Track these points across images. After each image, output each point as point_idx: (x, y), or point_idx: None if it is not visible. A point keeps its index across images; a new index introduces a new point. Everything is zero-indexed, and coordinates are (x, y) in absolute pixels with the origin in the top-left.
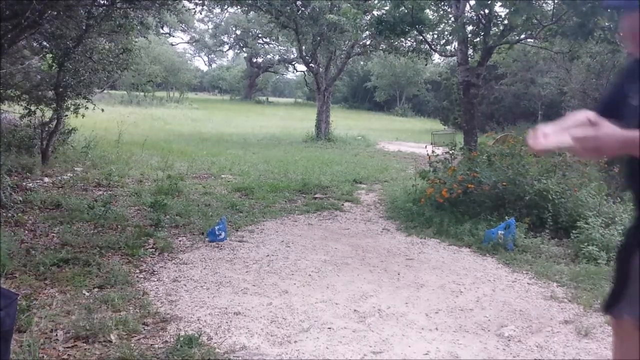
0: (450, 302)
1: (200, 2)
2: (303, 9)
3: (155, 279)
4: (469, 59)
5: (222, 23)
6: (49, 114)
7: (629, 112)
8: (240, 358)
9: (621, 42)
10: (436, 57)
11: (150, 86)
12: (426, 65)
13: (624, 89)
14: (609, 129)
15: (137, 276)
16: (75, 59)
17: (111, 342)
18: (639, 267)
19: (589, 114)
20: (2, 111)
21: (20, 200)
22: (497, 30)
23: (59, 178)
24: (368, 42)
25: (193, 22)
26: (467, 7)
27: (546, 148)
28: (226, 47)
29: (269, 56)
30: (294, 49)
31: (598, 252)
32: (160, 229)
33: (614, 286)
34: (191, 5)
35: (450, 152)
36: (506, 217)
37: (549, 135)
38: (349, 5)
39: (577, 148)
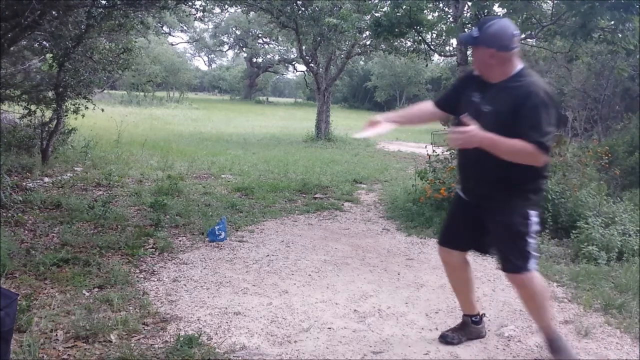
0: (450, 302)
1: (200, 8)
2: (303, 9)
3: (155, 279)
4: (469, 58)
5: (222, 23)
6: (49, 114)
7: (470, 105)
8: (240, 358)
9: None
10: (436, 57)
11: (150, 86)
12: (426, 65)
13: (467, 90)
14: (477, 130)
15: (137, 276)
16: (75, 59)
17: (111, 342)
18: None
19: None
20: (2, 111)
21: (20, 200)
22: None
23: (59, 178)
24: (368, 42)
25: (193, 22)
26: (466, 7)
27: (365, 136)
28: (226, 47)
29: (269, 56)
30: (294, 49)
31: (598, 252)
32: (160, 229)
33: None
34: (193, 11)
35: (450, 151)
36: None
37: (375, 125)
38: (348, 6)
39: (451, 138)
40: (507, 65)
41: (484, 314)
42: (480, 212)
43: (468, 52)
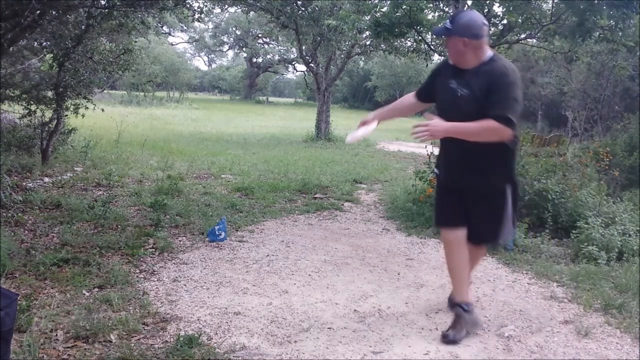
0: None
1: (198, 10)
2: (303, 9)
3: (155, 279)
4: None
5: (222, 23)
6: (49, 114)
7: (448, 92)
8: (240, 358)
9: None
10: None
11: (150, 86)
12: (427, 65)
13: (443, 78)
14: (439, 121)
15: (137, 276)
16: (75, 59)
17: (111, 342)
18: None
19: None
20: (2, 111)
21: (20, 200)
22: (496, 30)
23: (59, 178)
24: (368, 43)
25: (191, 22)
26: (466, 8)
27: (356, 140)
28: (226, 47)
29: (269, 56)
30: (294, 49)
31: (598, 252)
32: (160, 229)
33: None
34: (190, 12)
35: None
36: None
37: (366, 124)
38: (348, 6)
39: (416, 133)
40: (479, 52)
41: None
42: (462, 194)
43: None
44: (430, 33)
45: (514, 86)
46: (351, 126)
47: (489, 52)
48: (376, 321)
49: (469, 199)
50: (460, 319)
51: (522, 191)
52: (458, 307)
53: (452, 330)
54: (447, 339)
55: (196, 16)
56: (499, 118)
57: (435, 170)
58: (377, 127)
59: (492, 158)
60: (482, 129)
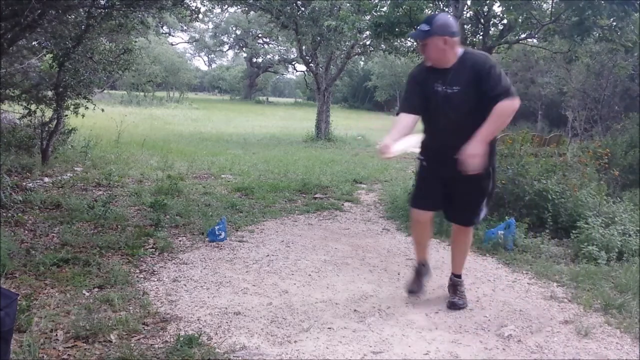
0: None
1: (196, 10)
2: (303, 9)
3: (155, 279)
4: None
5: (222, 23)
6: (49, 114)
7: (436, 95)
8: (240, 358)
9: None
10: None
11: (150, 86)
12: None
13: (426, 84)
14: (474, 147)
15: (137, 276)
16: (75, 59)
17: (111, 342)
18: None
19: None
20: (2, 111)
21: (20, 200)
22: (496, 30)
23: (59, 178)
24: (368, 42)
25: (188, 21)
26: (466, 7)
27: (394, 155)
28: (226, 47)
29: (269, 56)
30: (294, 49)
31: (598, 252)
32: (160, 229)
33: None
34: (188, 12)
35: None
36: (506, 217)
37: (390, 146)
38: (349, 5)
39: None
40: (456, 48)
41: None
42: (448, 180)
43: None
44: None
45: (496, 66)
46: (351, 126)
47: (461, 49)
48: (376, 321)
49: (458, 184)
50: (417, 273)
51: (522, 191)
52: (419, 264)
53: (412, 283)
54: (410, 290)
55: (194, 16)
56: (504, 96)
57: (420, 157)
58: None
59: (490, 146)
60: (500, 118)
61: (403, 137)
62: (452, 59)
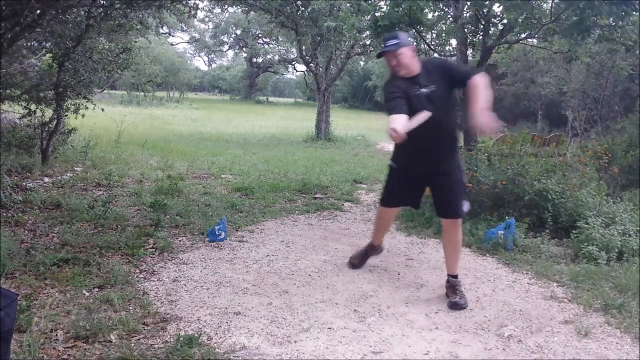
0: None
1: (194, 6)
2: (303, 9)
3: (155, 279)
4: (470, 58)
5: (222, 23)
6: (49, 114)
7: (420, 98)
8: (240, 358)
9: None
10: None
11: (150, 86)
12: None
13: (407, 91)
14: (487, 115)
15: (137, 276)
16: (75, 59)
17: (111, 342)
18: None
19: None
20: (2, 111)
21: (20, 200)
22: (496, 30)
23: (59, 178)
24: (368, 42)
25: (193, 22)
26: (466, 7)
27: (405, 135)
28: (226, 47)
29: (269, 56)
30: (294, 49)
31: (598, 252)
32: (160, 229)
33: None
34: (187, 9)
35: None
36: (506, 217)
37: (400, 129)
38: (348, 5)
39: (490, 128)
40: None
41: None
42: (424, 179)
43: (468, 52)
44: (430, 33)
45: (451, 61)
46: (351, 126)
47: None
48: (376, 321)
49: (438, 180)
50: (366, 252)
51: (522, 191)
52: (373, 246)
53: (355, 257)
54: (351, 263)
55: (192, 12)
56: (474, 73)
57: (392, 163)
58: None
59: (453, 143)
60: (485, 87)
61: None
62: (417, 64)
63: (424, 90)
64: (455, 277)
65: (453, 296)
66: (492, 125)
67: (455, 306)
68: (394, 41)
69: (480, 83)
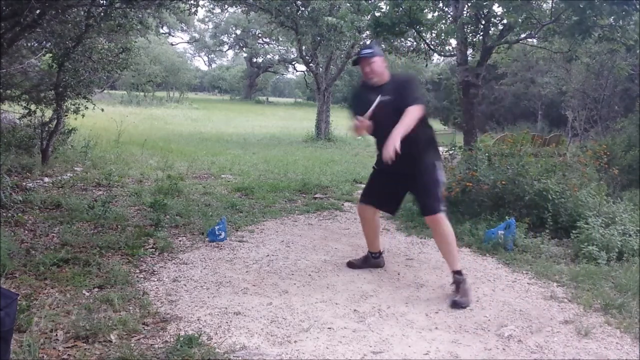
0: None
1: (195, 2)
2: (303, 9)
3: (155, 279)
4: (469, 58)
5: (222, 23)
6: (49, 114)
7: (377, 104)
8: (240, 358)
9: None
10: (436, 57)
11: (150, 86)
12: (426, 66)
13: (366, 95)
14: (391, 142)
15: (137, 276)
16: (75, 59)
17: (111, 342)
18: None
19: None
20: (2, 111)
21: (20, 200)
22: (496, 30)
23: (59, 178)
24: (368, 42)
25: (193, 22)
26: (466, 8)
27: (367, 123)
28: (226, 47)
29: (269, 56)
30: (294, 49)
31: (598, 252)
32: (160, 229)
33: None
34: (187, 6)
35: (450, 151)
36: (506, 217)
37: (361, 119)
38: (348, 5)
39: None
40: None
41: (383, 251)
42: (399, 178)
43: (468, 52)
44: (430, 33)
45: (415, 81)
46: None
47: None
48: (376, 321)
49: (411, 180)
50: (367, 259)
51: (522, 191)
52: (369, 252)
53: (356, 261)
54: (350, 264)
55: (193, 10)
56: (413, 104)
57: (375, 166)
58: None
59: (416, 148)
60: (412, 116)
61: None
62: (387, 76)
63: (383, 98)
64: (459, 273)
65: (455, 294)
66: (389, 153)
67: (455, 305)
68: (369, 50)
69: (410, 113)
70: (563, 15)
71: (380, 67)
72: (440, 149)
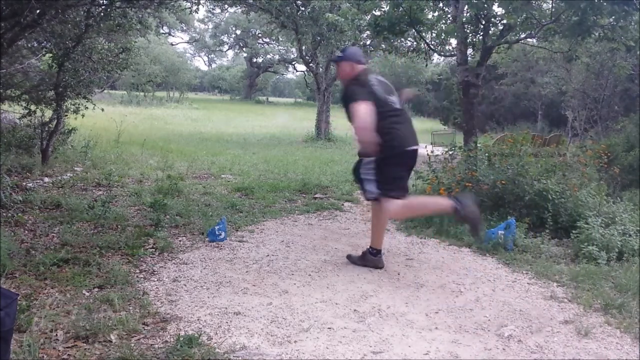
0: (450, 302)
1: (196, 1)
2: (303, 8)
3: (155, 279)
4: (469, 58)
5: (222, 23)
6: (49, 114)
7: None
8: (240, 358)
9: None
10: (436, 57)
11: (150, 86)
12: (426, 66)
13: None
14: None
15: (137, 276)
16: (75, 59)
17: (111, 342)
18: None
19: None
20: (2, 111)
21: (20, 200)
22: (496, 30)
23: (59, 178)
24: (368, 42)
25: (193, 22)
26: (466, 7)
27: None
28: (226, 47)
29: (269, 56)
30: (294, 49)
31: (598, 252)
32: (160, 229)
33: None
34: (188, 4)
35: (450, 152)
36: (507, 217)
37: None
38: (349, 4)
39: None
40: (358, 73)
41: (383, 253)
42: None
43: (468, 52)
44: (430, 33)
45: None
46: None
47: (371, 75)
48: (376, 321)
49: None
50: (365, 255)
51: (522, 191)
52: (369, 248)
53: (355, 257)
54: (349, 258)
55: (194, 8)
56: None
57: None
58: None
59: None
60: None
61: None
62: (352, 80)
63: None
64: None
65: (355, 257)
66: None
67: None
68: (340, 54)
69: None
70: (563, 15)
71: (343, 72)
72: (440, 149)
